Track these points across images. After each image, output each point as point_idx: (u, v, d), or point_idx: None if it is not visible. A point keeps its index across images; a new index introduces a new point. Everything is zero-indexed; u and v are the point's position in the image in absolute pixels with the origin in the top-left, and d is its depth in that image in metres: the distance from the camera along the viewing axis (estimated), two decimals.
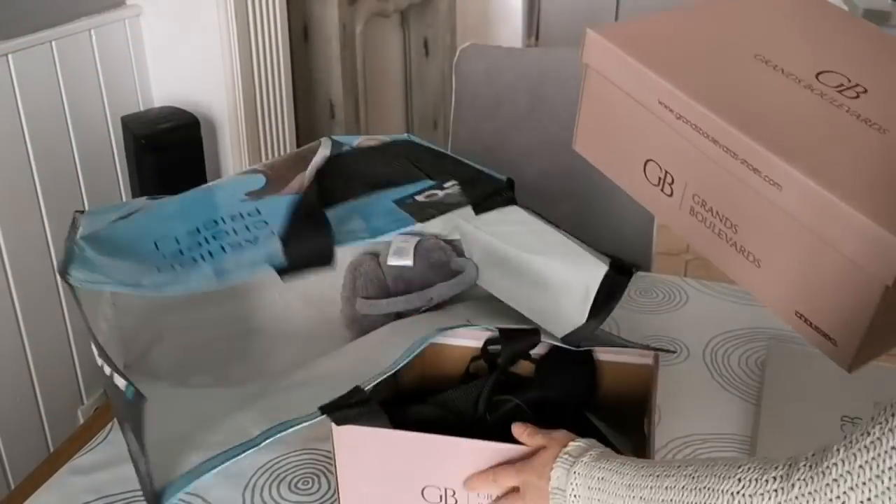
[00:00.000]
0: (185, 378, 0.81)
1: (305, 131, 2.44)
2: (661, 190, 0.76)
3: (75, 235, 0.74)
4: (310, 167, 0.81)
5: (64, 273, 0.68)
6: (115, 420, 0.78)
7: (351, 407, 0.66)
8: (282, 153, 2.29)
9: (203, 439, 0.65)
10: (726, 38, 0.78)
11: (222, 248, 0.70)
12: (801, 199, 0.62)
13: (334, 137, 0.87)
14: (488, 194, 0.87)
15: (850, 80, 0.73)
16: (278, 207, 0.75)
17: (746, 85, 0.72)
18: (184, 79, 2.09)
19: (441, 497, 0.67)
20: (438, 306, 0.87)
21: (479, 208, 0.87)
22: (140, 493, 0.69)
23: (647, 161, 0.76)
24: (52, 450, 1.88)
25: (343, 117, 2.40)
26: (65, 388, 1.92)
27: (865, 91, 0.72)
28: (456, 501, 0.67)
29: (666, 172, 0.74)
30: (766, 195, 0.65)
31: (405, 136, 0.92)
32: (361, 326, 0.89)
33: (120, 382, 0.63)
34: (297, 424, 0.65)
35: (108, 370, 0.66)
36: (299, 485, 0.71)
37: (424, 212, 0.82)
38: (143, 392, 0.61)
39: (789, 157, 0.63)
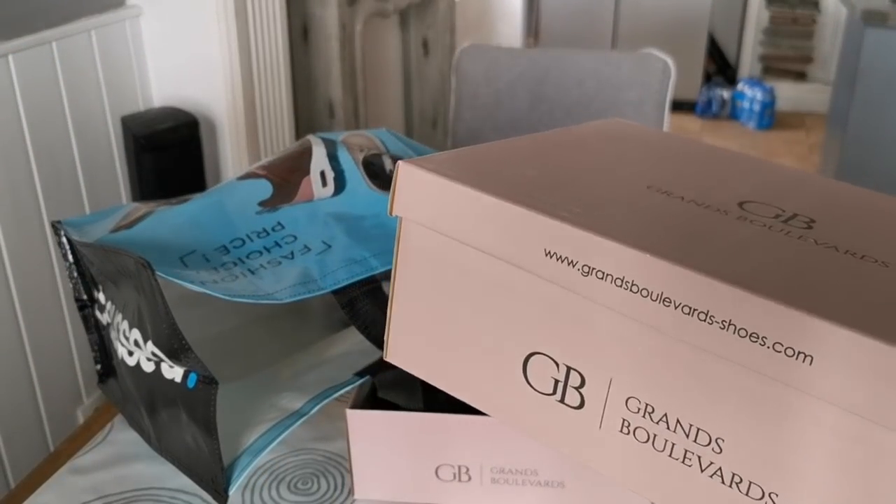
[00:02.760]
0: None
1: (305, 131, 2.44)
2: (562, 400, 0.48)
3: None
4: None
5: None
6: (115, 420, 0.78)
7: (388, 368, 0.69)
8: None
9: (246, 425, 0.68)
10: (599, 166, 0.54)
11: (262, 266, 0.71)
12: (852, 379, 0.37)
13: (320, 135, 0.88)
14: None
15: (783, 210, 0.50)
16: (299, 217, 0.76)
17: (670, 220, 0.46)
18: (184, 79, 2.09)
19: (455, 475, 0.68)
20: None
21: None
22: (139, 493, 0.69)
23: (531, 355, 0.48)
24: (51, 449, 1.88)
25: (342, 117, 2.40)
26: (64, 388, 1.92)
27: (813, 221, 0.49)
28: (469, 478, 0.68)
29: (569, 370, 0.47)
30: (786, 378, 0.39)
31: (383, 129, 0.92)
32: (341, 316, 0.91)
33: (174, 373, 0.63)
34: (340, 390, 0.69)
35: (150, 366, 0.66)
36: (299, 485, 0.71)
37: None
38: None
39: (822, 314, 0.37)
